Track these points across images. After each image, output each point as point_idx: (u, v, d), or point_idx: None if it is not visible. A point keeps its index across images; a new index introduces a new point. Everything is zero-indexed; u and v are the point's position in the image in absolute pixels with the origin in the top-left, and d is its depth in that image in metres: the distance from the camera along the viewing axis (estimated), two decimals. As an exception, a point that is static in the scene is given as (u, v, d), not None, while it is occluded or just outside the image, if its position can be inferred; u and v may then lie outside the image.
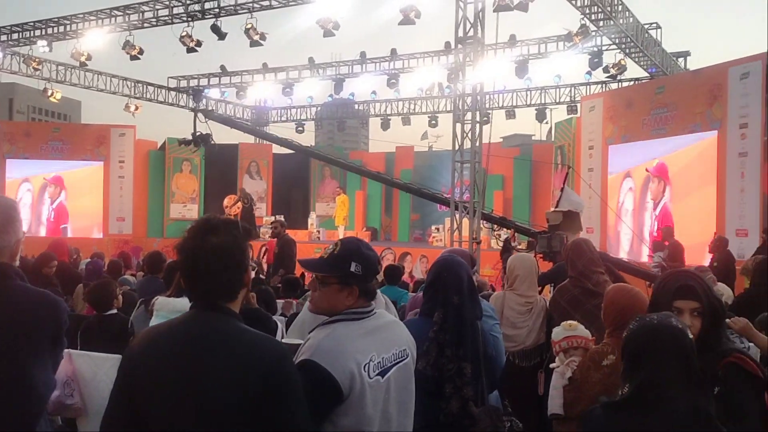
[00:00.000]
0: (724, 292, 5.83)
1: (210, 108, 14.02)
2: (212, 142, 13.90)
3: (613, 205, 14.60)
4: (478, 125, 11.18)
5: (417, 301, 3.46)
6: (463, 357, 2.81)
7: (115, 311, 4.71)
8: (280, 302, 6.31)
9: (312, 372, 2.03)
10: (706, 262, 10.04)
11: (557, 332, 3.29)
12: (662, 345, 1.95)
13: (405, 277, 12.07)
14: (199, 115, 13.61)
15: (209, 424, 1.73)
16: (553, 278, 7.55)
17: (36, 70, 19.60)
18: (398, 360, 2.26)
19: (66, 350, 3.86)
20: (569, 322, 3.32)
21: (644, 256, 13.24)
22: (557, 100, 21.61)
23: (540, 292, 7.63)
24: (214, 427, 1.73)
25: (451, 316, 2.84)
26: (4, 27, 18.36)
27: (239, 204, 18.74)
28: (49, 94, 20.71)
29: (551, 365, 3.27)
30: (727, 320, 2.93)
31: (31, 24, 17.92)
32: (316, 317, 2.31)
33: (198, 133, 13.59)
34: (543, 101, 21.87)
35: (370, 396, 2.11)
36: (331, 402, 2.06)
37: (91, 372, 4.01)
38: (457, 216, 10.93)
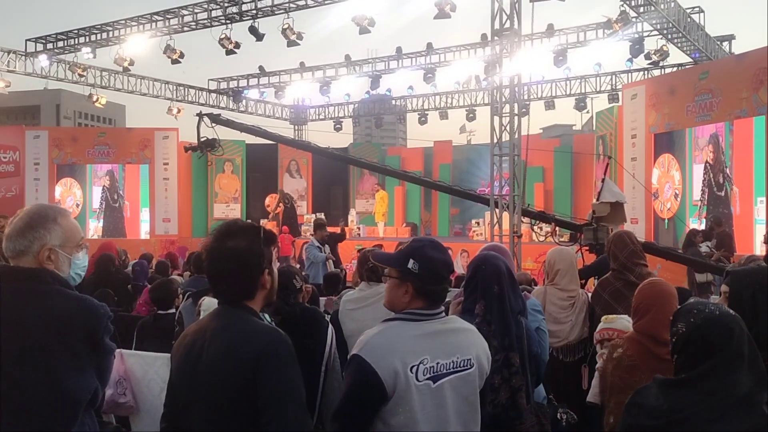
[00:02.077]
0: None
1: (217, 113, 13.23)
2: (218, 147, 13.28)
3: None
4: (516, 117, 11.09)
5: (458, 296, 3.46)
6: (509, 347, 2.76)
7: (173, 310, 4.83)
8: (322, 300, 6.39)
9: (357, 367, 2.11)
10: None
11: (599, 325, 3.36)
12: (737, 336, 1.94)
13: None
14: (205, 119, 12.99)
15: (209, 401, 1.99)
16: (597, 271, 7.47)
17: (81, 76, 20.11)
18: (459, 369, 2.20)
19: (117, 350, 3.99)
20: (612, 317, 3.32)
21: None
22: (598, 89, 21.27)
23: (584, 285, 7.58)
24: (214, 403, 1.98)
25: (493, 307, 2.80)
26: (49, 35, 18.90)
27: (281, 205, 19.04)
28: (95, 99, 21.24)
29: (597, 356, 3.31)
30: None
31: (75, 31, 18.39)
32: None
33: (204, 138, 13.05)
34: (583, 90, 21.54)
35: (417, 399, 2.09)
36: (374, 398, 2.09)
37: (142, 371, 4.13)
38: (497, 211, 10.85)
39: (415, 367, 2.10)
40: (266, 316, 3.74)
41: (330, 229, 10.69)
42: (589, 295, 4.46)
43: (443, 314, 2.28)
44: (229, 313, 2.08)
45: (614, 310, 4.10)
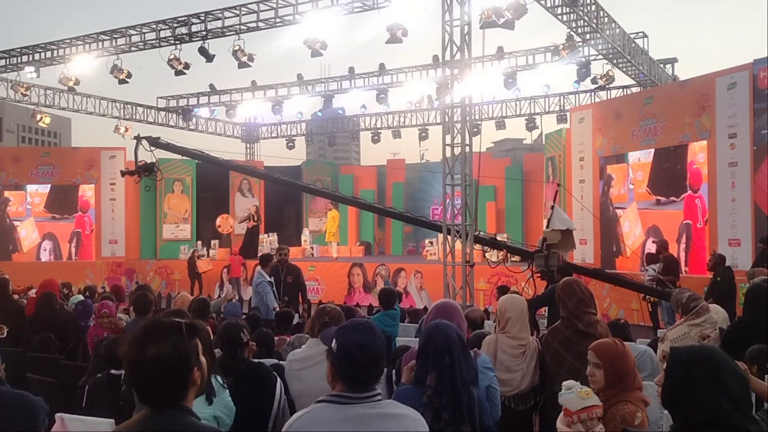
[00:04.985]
0: (718, 315, 5.82)
1: (156, 136, 12.59)
2: (156, 171, 12.63)
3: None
4: (467, 138, 11.12)
5: (412, 354, 3.42)
6: (461, 420, 2.74)
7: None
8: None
9: None
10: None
11: (572, 400, 2.94)
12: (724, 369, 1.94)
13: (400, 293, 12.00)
14: (143, 142, 12.47)
15: None
16: (547, 301, 7.59)
17: (24, 96, 19.53)
18: None
19: (58, 414, 3.84)
20: (585, 390, 2.97)
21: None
22: (546, 110, 21.71)
23: (535, 314, 7.64)
24: None
25: (445, 378, 2.77)
26: (-10, 53, 18.32)
27: (251, 221, 19.04)
28: (38, 119, 20.65)
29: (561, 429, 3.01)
30: None
31: (18, 50, 17.85)
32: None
33: (142, 162, 12.57)
34: (532, 111, 21.97)
35: None
36: None
37: (84, 438, 3.96)
38: (450, 239, 10.87)
39: None
40: (218, 378, 3.66)
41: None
42: (539, 342, 4.49)
43: (377, 397, 2.20)
44: (162, 417, 1.90)
45: (564, 358, 4.13)
